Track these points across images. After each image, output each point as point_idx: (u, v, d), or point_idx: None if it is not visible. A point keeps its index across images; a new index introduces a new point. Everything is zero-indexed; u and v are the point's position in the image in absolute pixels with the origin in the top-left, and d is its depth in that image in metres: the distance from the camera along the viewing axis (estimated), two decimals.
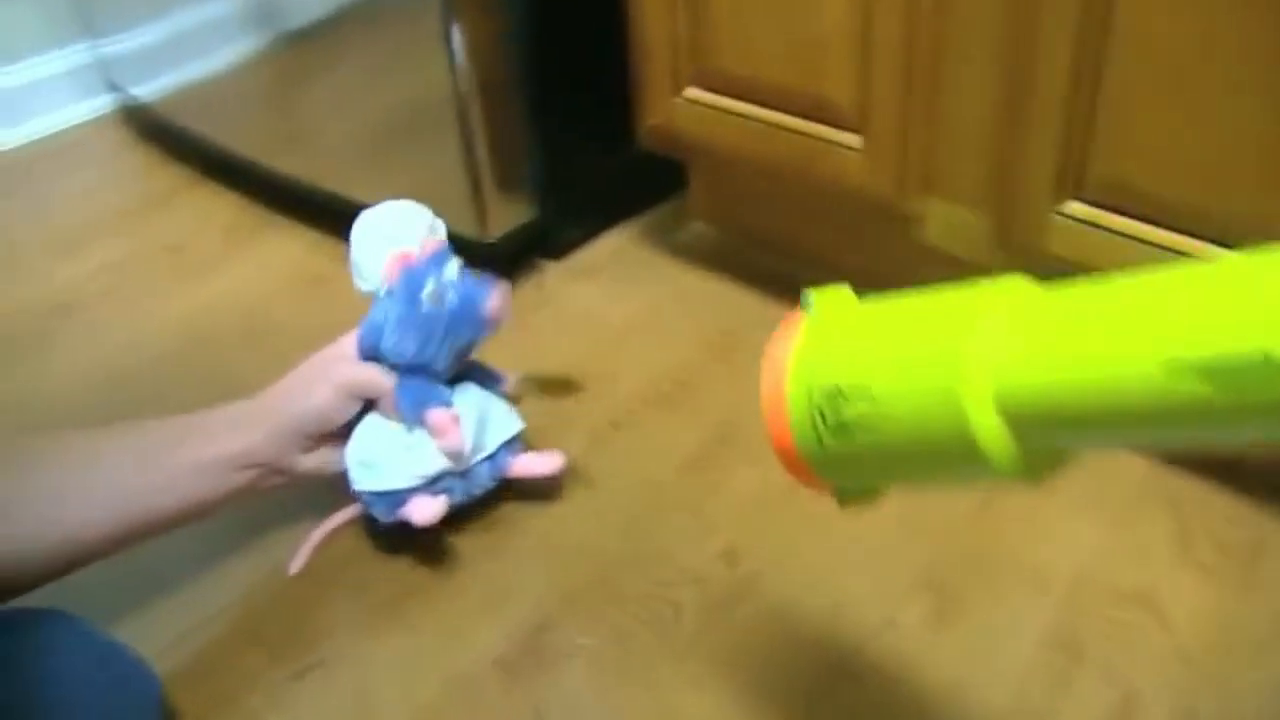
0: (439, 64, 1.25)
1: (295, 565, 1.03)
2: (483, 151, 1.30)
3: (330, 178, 1.47)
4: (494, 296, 0.99)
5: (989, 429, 0.50)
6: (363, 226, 1.01)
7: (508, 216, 1.36)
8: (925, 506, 1.06)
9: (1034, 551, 1.02)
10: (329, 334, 1.03)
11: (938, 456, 0.53)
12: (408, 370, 0.99)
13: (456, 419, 0.99)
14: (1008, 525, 1.05)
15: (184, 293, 1.45)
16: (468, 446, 1.00)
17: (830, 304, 0.61)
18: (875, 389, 0.54)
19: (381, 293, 0.99)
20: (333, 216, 1.46)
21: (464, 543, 1.05)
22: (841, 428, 0.55)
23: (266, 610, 1.00)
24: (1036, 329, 0.50)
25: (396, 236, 1.00)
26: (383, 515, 1.01)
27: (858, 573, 1.00)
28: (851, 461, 0.57)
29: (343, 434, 1.00)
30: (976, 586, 0.99)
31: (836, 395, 0.55)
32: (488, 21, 1.25)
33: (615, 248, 1.48)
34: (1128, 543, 1.02)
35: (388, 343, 0.97)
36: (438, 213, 1.04)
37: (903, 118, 1.06)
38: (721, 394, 1.22)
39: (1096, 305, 0.49)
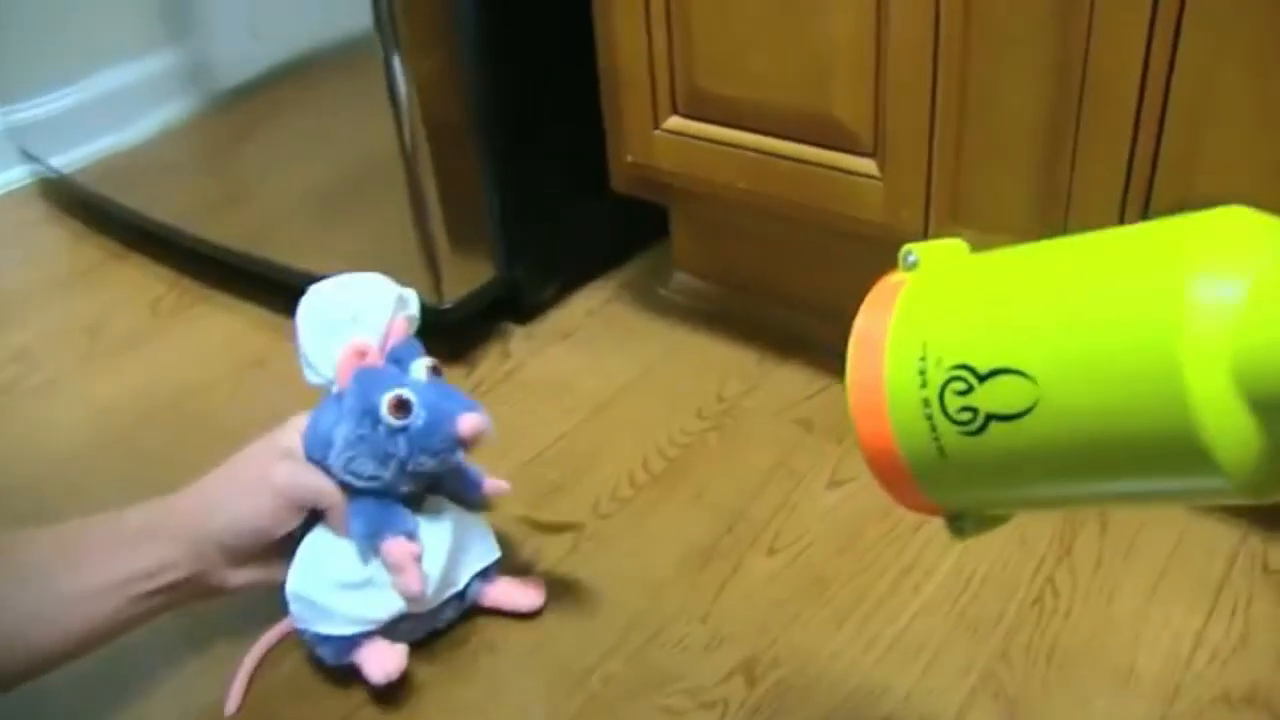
0: (383, 111, 1.13)
1: (231, 704, 0.85)
2: (434, 205, 1.16)
3: (270, 245, 1.35)
4: (470, 417, 0.80)
5: (1225, 415, 0.36)
6: (312, 306, 0.85)
7: (465, 277, 1.22)
8: (979, 594, 0.91)
9: (1114, 644, 0.87)
10: (274, 425, 0.87)
11: (1132, 458, 0.38)
12: (358, 490, 0.82)
13: (417, 556, 0.82)
14: (1079, 612, 0.90)
15: (102, 381, 1.28)
16: (431, 587, 0.83)
17: (942, 260, 0.47)
18: (1034, 365, 0.39)
19: (334, 388, 0.82)
20: (274, 288, 1.35)
21: (427, 665, 0.88)
22: (975, 423, 0.41)
23: None
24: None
25: (354, 321, 0.83)
26: (329, 658, 0.85)
27: (904, 680, 0.85)
28: (984, 470, 0.43)
29: (282, 543, 0.83)
30: (1049, 690, 0.84)
31: (969, 378, 0.41)
32: (435, 58, 1.13)
33: (591, 307, 1.34)
34: (1223, 625, 0.87)
35: (337, 461, 0.80)
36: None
37: (927, 137, 0.93)
38: (723, 471, 1.07)
39: None
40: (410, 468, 0.80)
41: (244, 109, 1.28)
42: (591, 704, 0.84)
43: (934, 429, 0.43)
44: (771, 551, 0.96)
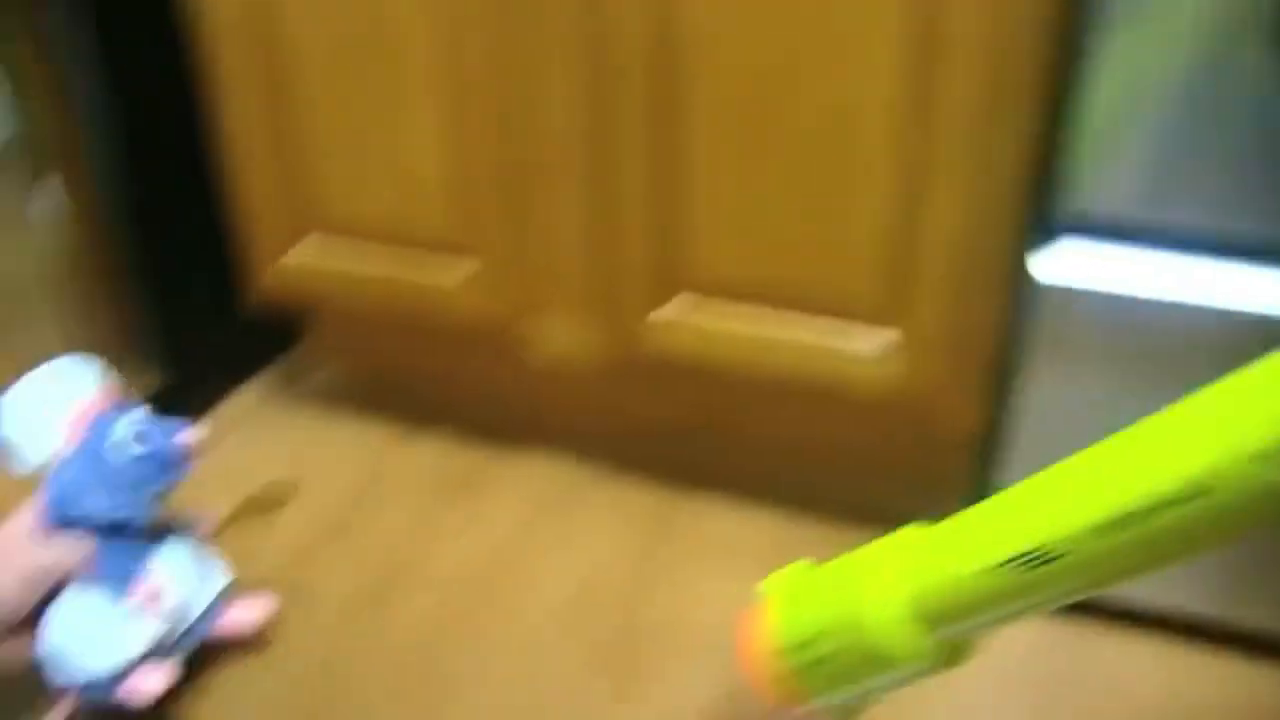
0: (32, 242, 1.21)
1: None
2: (97, 329, 1.26)
3: None
4: (188, 433, 0.97)
5: (900, 637, 0.69)
6: (22, 398, 0.96)
7: (134, 389, 1.31)
8: (584, 595, 1.15)
9: (690, 614, 1.13)
10: None
11: (879, 665, 0.71)
12: (106, 532, 0.94)
13: (163, 587, 0.96)
14: (662, 596, 1.15)
15: None
16: (178, 614, 0.97)
17: (783, 582, 0.79)
18: (825, 630, 0.73)
19: (58, 462, 0.94)
20: None
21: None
22: (811, 666, 0.73)
23: None
24: (918, 559, 0.70)
25: (68, 395, 0.96)
26: (99, 699, 0.95)
27: (541, 669, 1.07)
28: (828, 687, 0.74)
29: (32, 619, 0.93)
30: (647, 656, 1.08)
31: (802, 646, 0.73)
32: (84, 191, 1.23)
33: (249, 404, 1.48)
34: None
35: (86, 504, 0.93)
36: None
37: (504, 245, 1.15)
38: (379, 529, 1.25)
39: (949, 534, 0.69)
40: (153, 487, 0.96)
41: None
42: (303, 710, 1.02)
43: (795, 672, 0.74)
44: (427, 589, 1.16)
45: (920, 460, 1.23)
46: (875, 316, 1.05)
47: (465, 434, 1.40)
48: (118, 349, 1.30)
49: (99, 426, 0.95)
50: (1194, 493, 0.55)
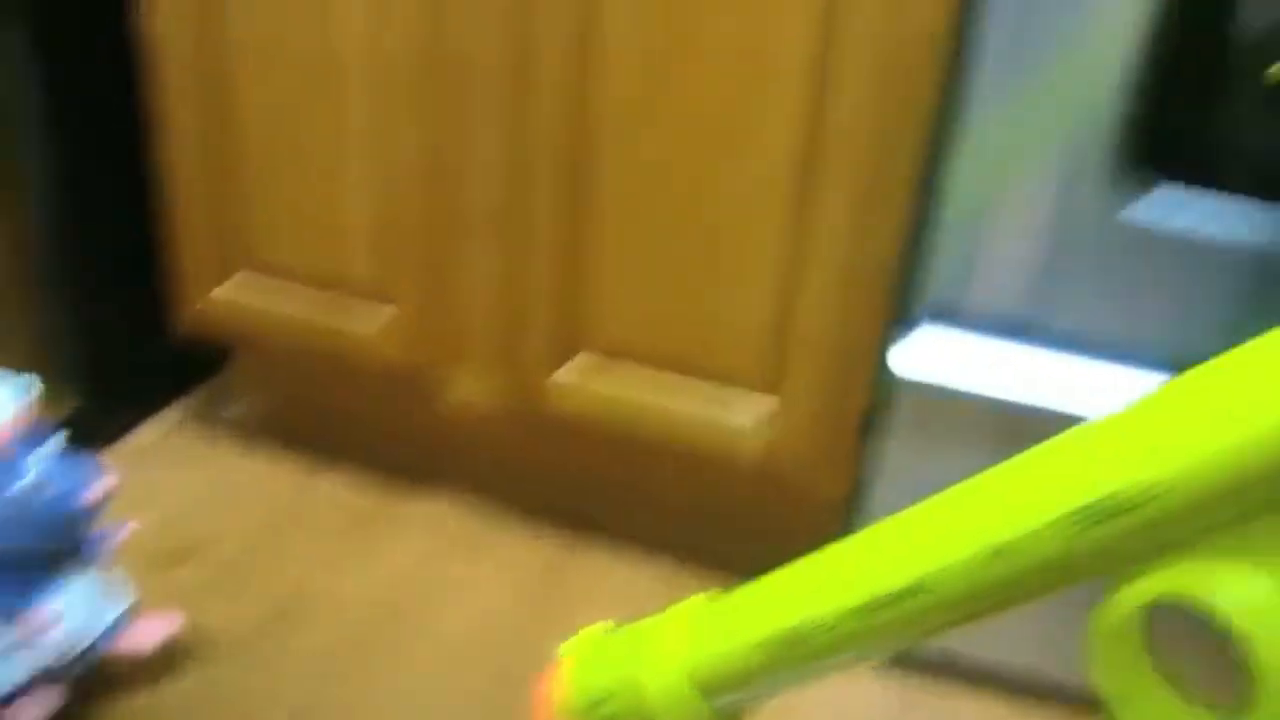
0: None
1: None
2: (21, 344, 1.30)
3: None
4: (95, 489, 0.95)
5: (676, 704, 0.71)
6: None
7: (51, 409, 1.31)
8: (476, 636, 1.20)
9: None
10: None
11: None
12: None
13: (58, 617, 0.95)
14: (551, 640, 1.18)
15: None
16: (75, 638, 0.96)
17: (580, 644, 0.81)
18: (614, 692, 0.74)
19: None
20: None
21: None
22: None
23: None
24: (699, 629, 0.72)
25: None
26: None
27: (428, 709, 1.11)
28: None
29: None
30: (530, 700, 1.12)
31: (595, 704, 0.75)
32: (12, 211, 1.26)
33: (165, 430, 1.51)
34: None
35: None
36: None
37: (421, 297, 1.22)
38: (279, 567, 1.29)
39: (730, 606, 0.71)
40: (50, 534, 0.95)
41: None
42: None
43: None
44: (319, 629, 1.20)
45: (796, 521, 1.30)
46: (755, 388, 1.13)
47: (373, 472, 1.45)
48: (37, 366, 1.29)
49: (8, 464, 0.92)
50: (914, 590, 0.59)
